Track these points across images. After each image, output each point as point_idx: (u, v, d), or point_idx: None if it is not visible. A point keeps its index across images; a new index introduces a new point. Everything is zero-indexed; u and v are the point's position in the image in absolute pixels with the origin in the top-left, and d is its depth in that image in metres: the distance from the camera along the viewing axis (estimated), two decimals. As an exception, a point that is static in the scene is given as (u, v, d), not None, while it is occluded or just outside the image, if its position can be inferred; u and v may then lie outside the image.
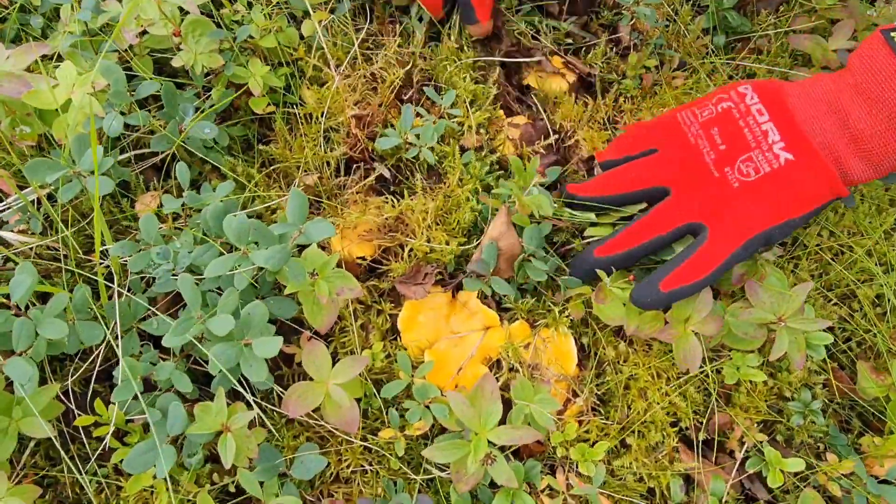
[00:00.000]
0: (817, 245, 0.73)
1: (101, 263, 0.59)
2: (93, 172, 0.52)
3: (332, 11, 0.67)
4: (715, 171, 0.60)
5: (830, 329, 0.72)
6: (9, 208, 0.59)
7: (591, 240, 0.64)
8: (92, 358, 0.56)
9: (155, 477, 0.53)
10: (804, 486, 0.61)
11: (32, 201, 0.58)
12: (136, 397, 0.52)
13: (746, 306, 0.60)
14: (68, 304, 0.50)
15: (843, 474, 0.61)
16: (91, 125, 0.45)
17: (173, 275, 0.52)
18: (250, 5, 0.66)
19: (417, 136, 0.64)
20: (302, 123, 0.67)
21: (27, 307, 0.47)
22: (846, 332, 0.72)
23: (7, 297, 0.44)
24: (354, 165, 0.68)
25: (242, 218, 0.49)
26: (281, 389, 0.58)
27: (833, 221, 0.74)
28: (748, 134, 0.59)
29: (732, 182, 0.59)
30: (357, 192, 0.66)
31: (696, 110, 0.62)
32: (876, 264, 0.73)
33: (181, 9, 0.61)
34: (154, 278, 0.60)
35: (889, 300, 0.72)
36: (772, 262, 0.64)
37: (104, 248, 0.56)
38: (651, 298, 0.56)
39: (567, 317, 0.63)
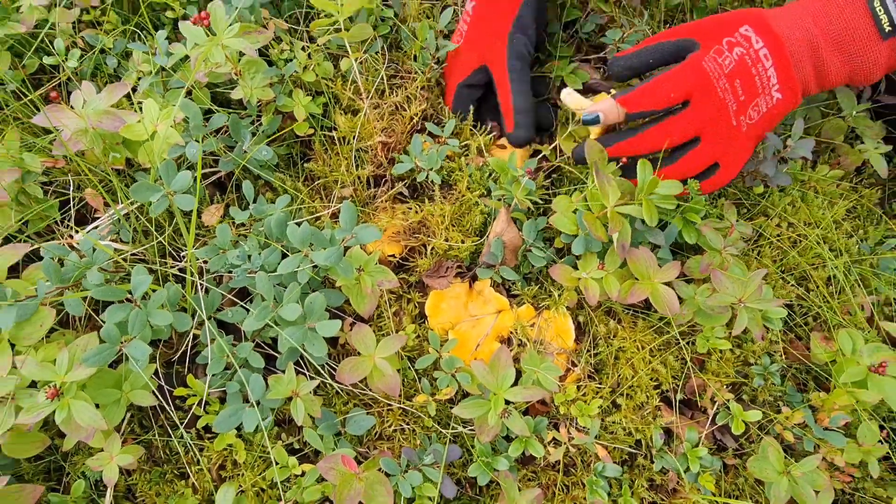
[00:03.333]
0: (777, 235, 0.86)
1: (176, 265, 0.72)
2: (176, 192, 0.64)
3: (365, 51, 0.80)
4: (734, 121, 0.71)
5: (789, 306, 0.85)
6: (97, 225, 0.72)
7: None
8: (185, 342, 0.68)
9: (237, 436, 0.66)
10: (764, 435, 0.74)
11: (125, 215, 0.71)
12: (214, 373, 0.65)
13: (713, 290, 0.72)
14: (165, 299, 0.62)
15: (796, 424, 0.74)
16: (197, 157, 0.57)
17: (248, 273, 0.64)
18: (292, 42, 0.79)
19: (426, 159, 0.76)
20: (337, 144, 0.79)
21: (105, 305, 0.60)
22: (804, 308, 0.85)
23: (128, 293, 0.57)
24: (382, 179, 0.80)
25: (305, 226, 0.61)
26: (331, 364, 0.71)
27: (790, 213, 0.86)
28: (758, 81, 0.70)
29: (742, 127, 0.71)
30: (385, 201, 0.79)
31: (719, 59, 0.70)
32: (828, 250, 0.86)
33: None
34: (221, 277, 0.73)
35: (838, 280, 0.84)
36: (737, 255, 0.77)
37: (184, 251, 0.68)
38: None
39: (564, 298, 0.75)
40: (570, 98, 0.77)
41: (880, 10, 0.65)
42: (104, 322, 0.60)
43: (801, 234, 0.85)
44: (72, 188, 0.72)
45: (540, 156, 0.83)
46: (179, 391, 0.64)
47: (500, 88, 0.79)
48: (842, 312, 0.84)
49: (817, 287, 0.85)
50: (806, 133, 0.89)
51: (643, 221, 0.69)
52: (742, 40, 0.70)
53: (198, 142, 0.68)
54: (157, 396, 0.66)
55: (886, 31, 0.65)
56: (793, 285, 0.85)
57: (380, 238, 0.61)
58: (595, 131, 0.76)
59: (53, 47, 0.77)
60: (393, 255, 0.77)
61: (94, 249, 0.61)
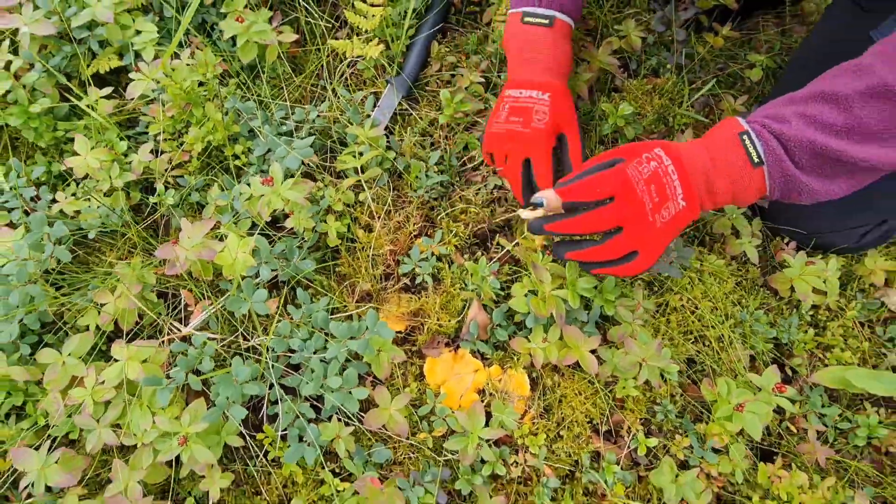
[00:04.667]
0: (681, 305, 1.17)
1: (248, 343, 1.02)
2: (255, 302, 0.95)
3: (375, 182, 1.11)
4: (650, 217, 0.92)
5: (691, 358, 1.16)
6: (197, 322, 1.03)
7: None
8: (260, 398, 0.99)
9: (297, 464, 0.96)
10: (664, 455, 1.05)
11: (214, 313, 1.02)
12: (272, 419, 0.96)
13: (625, 353, 1.03)
14: (250, 375, 0.93)
15: (686, 447, 1.05)
16: (267, 278, 0.88)
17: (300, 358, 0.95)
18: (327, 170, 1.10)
19: (422, 265, 1.08)
20: (358, 252, 1.10)
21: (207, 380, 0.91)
22: (700, 359, 1.16)
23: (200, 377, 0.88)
24: (391, 275, 1.11)
25: (344, 325, 0.93)
26: (360, 413, 1.02)
27: (690, 290, 1.17)
28: (668, 190, 0.91)
29: (657, 224, 0.92)
30: (393, 292, 1.10)
31: (639, 168, 0.92)
32: (720, 316, 1.17)
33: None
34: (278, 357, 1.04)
35: (726, 339, 1.15)
36: (643, 325, 1.08)
37: (255, 334, 1.00)
38: (586, 267, 0.95)
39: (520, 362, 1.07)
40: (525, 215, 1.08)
41: (750, 146, 0.89)
42: (209, 391, 0.91)
43: (698, 305, 1.17)
44: (182, 295, 1.03)
45: (504, 250, 1.15)
46: (260, 436, 0.95)
47: (573, 147, 1.08)
48: (728, 362, 1.15)
49: (710, 343, 1.17)
50: (701, 228, 1.21)
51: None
52: (655, 157, 0.94)
53: (267, 263, 0.99)
54: (242, 438, 0.96)
55: (755, 161, 0.89)
56: (692, 342, 1.16)
57: (393, 336, 0.93)
58: (534, 215, 1.04)
59: (154, 187, 1.09)
60: (399, 331, 1.08)
61: (204, 344, 0.93)
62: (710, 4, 1.29)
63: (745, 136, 0.89)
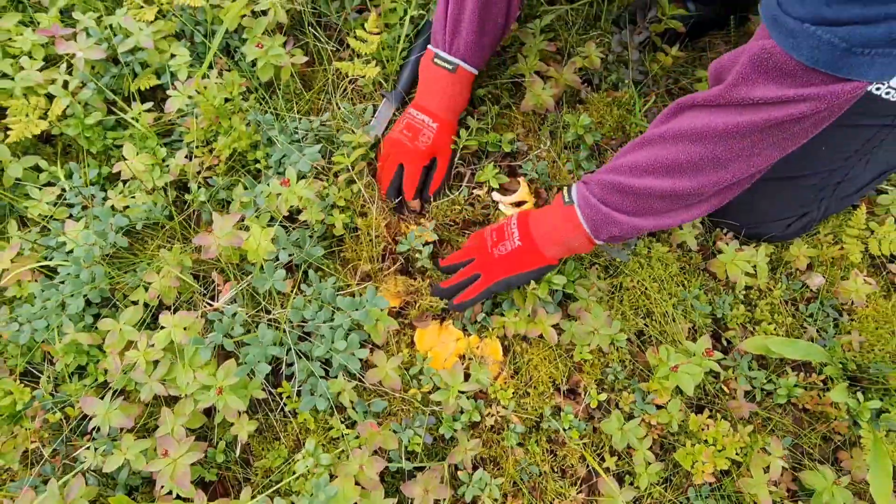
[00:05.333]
0: (633, 286, 1.38)
1: (267, 315, 1.24)
2: (276, 280, 1.16)
3: (366, 176, 1.32)
4: (490, 250, 1.24)
5: (641, 331, 1.37)
6: (227, 297, 1.24)
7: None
8: (279, 360, 1.21)
9: (310, 413, 1.18)
10: (614, 408, 1.26)
11: (241, 289, 1.23)
12: (289, 377, 1.17)
13: (581, 323, 1.25)
14: (272, 340, 1.14)
15: (632, 402, 1.26)
16: (285, 260, 1.10)
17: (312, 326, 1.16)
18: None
19: (419, 248, 1.29)
20: (360, 237, 1.32)
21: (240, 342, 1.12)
22: (649, 331, 1.37)
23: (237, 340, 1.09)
24: (390, 258, 1.33)
25: (349, 299, 1.14)
26: (361, 373, 1.23)
27: (639, 273, 1.39)
28: (505, 234, 1.23)
29: (496, 255, 1.23)
30: (390, 274, 1.31)
31: (493, 225, 1.26)
32: (665, 295, 1.39)
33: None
34: (293, 325, 1.25)
35: (670, 314, 1.37)
36: (596, 301, 1.29)
37: (273, 308, 1.21)
38: (452, 307, 1.24)
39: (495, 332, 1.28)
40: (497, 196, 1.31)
41: (566, 193, 1.16)
42: (237, 352, 1.12)
43: (648, 286, 1.38)
44: (213, 276, 1.25)
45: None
46: (279, 390, 1.17)
47: (439, 170, 1.35)
48: (672, 334, 1.37)
49: (657, 318, 1.38)
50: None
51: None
52: (507, 219, 1.27)
53: (285, 249, 1.20)
54: (265, 392, 1.18)
55: (566, 200, 1.15)
56: (641, 317, 1.37)
57: (388, 304, 1.14)
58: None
59: (188, 187, 1.30)
60: (394, 307, 1.30)
61: (235, 314, 1.14)
62: (661, 29, 1.50)
63: (566, 188, 1.16)
